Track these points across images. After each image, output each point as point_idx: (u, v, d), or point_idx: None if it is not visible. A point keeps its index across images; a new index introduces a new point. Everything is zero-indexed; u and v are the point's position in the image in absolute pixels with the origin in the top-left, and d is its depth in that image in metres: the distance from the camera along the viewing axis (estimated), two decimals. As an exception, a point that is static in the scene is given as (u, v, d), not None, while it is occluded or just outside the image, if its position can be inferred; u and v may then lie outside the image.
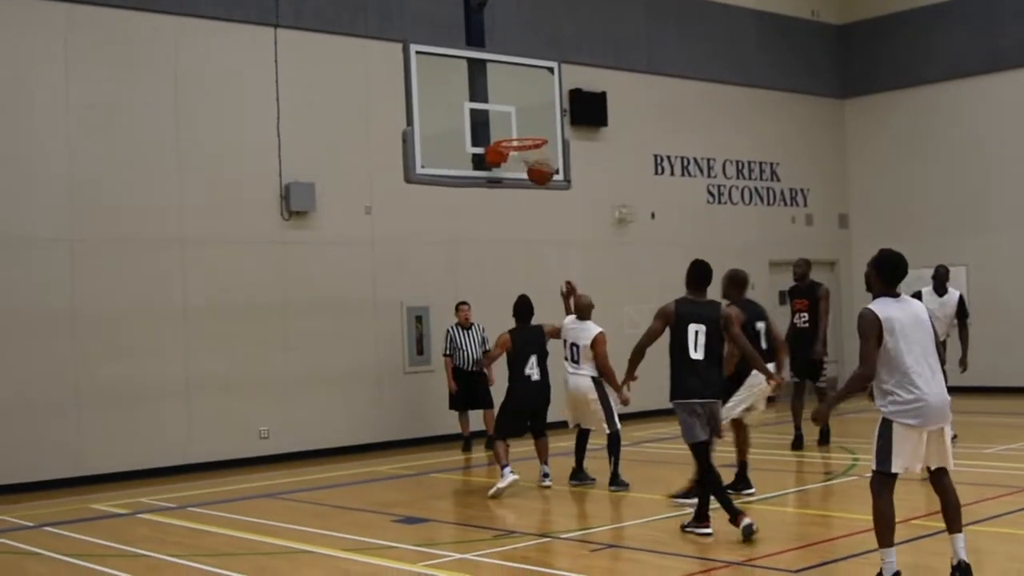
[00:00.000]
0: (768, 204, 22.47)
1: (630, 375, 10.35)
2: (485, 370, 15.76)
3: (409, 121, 16.86)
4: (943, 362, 7.55)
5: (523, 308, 12.87)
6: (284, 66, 16.25)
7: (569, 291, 13.13)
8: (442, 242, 17.63)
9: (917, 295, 14.18)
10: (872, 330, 7.21)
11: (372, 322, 16.92)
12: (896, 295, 7.42)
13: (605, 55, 19.90)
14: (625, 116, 19.95)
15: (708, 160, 21.51)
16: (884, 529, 7.29)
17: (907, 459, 7.22)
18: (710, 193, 21.52)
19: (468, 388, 16.14)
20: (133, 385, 14.84)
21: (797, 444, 14.85)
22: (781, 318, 18.05)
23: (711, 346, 9.70)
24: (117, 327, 14.81)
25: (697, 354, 9.65)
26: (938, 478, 7.41)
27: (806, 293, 15.19)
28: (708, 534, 9.53)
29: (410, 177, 16.89)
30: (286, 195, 16.19)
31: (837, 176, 23.85)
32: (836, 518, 10.75)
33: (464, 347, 16.16)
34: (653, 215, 20.42)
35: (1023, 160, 21.39)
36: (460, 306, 16.34)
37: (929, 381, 7.19)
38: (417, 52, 17.05)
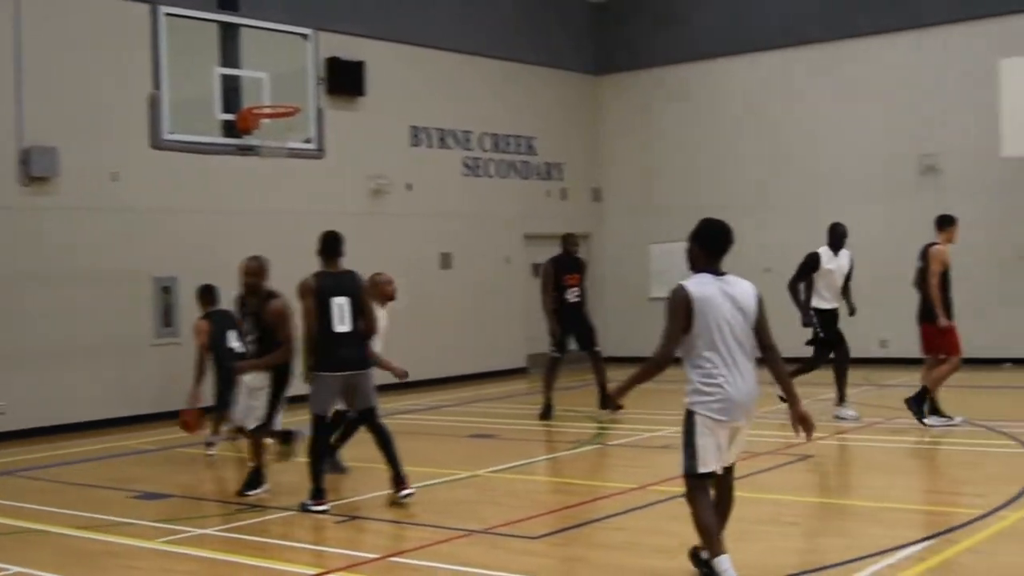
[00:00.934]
0: (524, 177, 22.73)
1: (309, 365, 9.97)
2: None
3: (157, 85, 16.37)
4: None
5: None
6: (26, 24, 15.49)
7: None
8: (192, 211, 17.16)
9: (815, 256, 14.07)
10: (680, 310, 6.59)
11: (117, 292, 16.32)
12: (719, 273, 6.78)
13: (364, 24, 19.68)
14: (383, 86, 19.83)
15: (465, 132, 21.60)
16: (708, 536, 6.70)
17: (713, 458, 6.67)
18: (467, 166, 21.62)
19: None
20: None
21: (546, 414, 15.10)
22: (535, 290, 18.27)
23: (354, 317, 9.85)
24: None
25: (343, 327, 9.77)
26: (723, 476, 6.88)
27: (577, 267, 15.42)
28: (325, 511, 9.58)
29: (157, 143, 16.44)
30: (25, 160, 15.45)
31: (591, 151, 24.32)
32: (579, 485, 10.98)
33: None
34: (409, 186, 20.39)
35: (767, 141, 22.28)
36: None
37: (736, 373, 6.62)
38: (166, 14, 16.58)
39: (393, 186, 20.06)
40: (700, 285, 6.66)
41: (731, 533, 6.96)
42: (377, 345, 11.02)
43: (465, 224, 21.35)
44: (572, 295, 15.25)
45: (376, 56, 19.75)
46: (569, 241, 15.59)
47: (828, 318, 14.20)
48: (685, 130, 23.28)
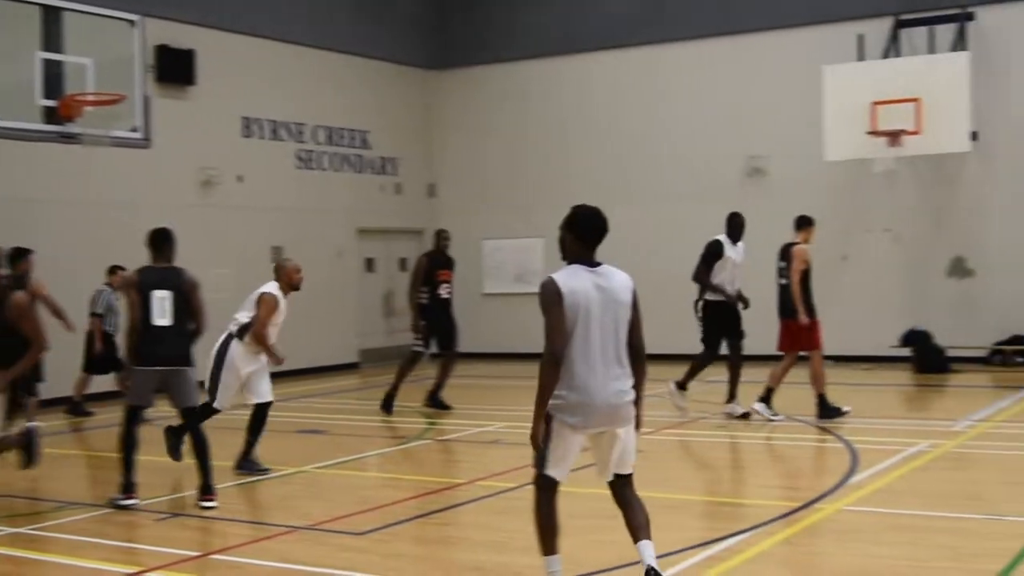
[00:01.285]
0: (358, 171, 22.60)
1: (130, 357, 9.77)
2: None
3: (-27, 68, 15.86)
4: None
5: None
6: None
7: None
8: (10, 199, 16.51)
9: (717, 244, 13.74)
10: (554, 302, 6.05)
11: (-70, 283, 15.69)
12: (594, 264, 6.24)
13: (194, 11, 19.27)
14: (214, 76, 19.45)
15: (299, 125, 21.36)
16: (544, 534, 6.36)
17: (565, 465, 6.26)
18: (299, 158, 21.38)
19: (113, 352, 15.65)
20: None
21: (387, 405, 14.95)
22: (368, 285, 18.17)
23: (177, 312, 9.69)
24: None
25: (162, 320, 9.65)
26: (619, 489, 6.43)
27: (449, 264, 15.37)
28: (133, 504, 9.50)
29: (-28, 128, 15.92)
30: None
31: (427, 146, 24.29)
32: (407, 481, 10.94)
33: (119, 312, 15.66)
34: (240, 178, 20.06)
35: (596, 140, 22.58)
36: (118, 270, 15.66)
37: (600, 375, 6.12)
38: (-16, -5, 16.04)
39: (223, 177, 19.71)
40: (571, 277, 6.13)
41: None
42: (272, 336, 10.95)
43: (297, 217, 21.11)
44: (444, 291, 15.22)
45: (207, 45, 19.37)
46: (442, 237, 15.56)
47: (723, 312, 13.82)
48: (518, 128, 23.46)
